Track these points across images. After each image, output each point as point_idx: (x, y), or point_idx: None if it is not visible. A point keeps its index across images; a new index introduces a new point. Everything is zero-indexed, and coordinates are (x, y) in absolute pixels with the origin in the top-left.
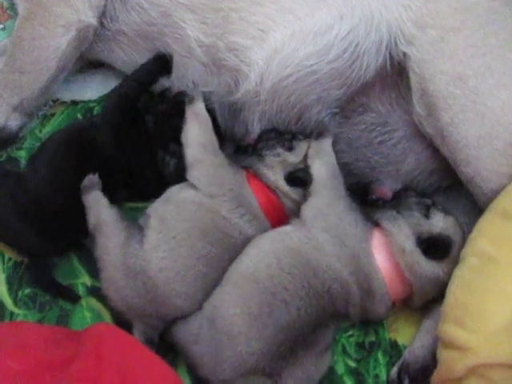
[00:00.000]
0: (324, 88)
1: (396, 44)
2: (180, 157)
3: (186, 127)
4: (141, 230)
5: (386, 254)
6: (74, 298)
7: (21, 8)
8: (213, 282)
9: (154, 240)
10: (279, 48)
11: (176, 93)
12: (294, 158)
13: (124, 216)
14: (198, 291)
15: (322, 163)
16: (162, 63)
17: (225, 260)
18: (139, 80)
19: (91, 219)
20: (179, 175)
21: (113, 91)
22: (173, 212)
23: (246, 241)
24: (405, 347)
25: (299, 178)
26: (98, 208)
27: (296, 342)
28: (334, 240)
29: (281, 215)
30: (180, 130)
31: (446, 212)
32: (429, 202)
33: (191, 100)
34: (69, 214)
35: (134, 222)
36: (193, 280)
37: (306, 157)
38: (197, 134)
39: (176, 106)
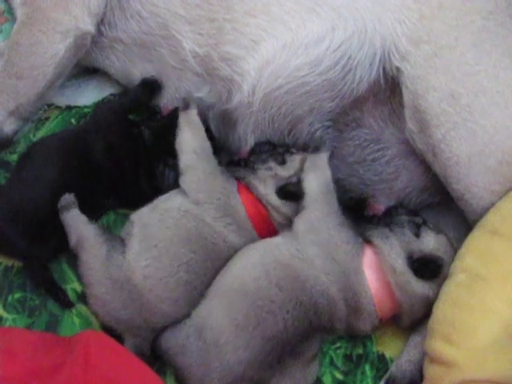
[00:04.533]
0: (316, 99)
1: (390, 58)
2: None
3: (180, 133)
4: (122, 241)
5: (376, 272)
6: (67, 304)
7: (19, 13)
8: (195, 288)
9: (137, 248)
10: (270, 59)
11: (173, 109)
12: (285, 172)
13: (104, 230)
14: (181, 297)
15: (315, 177)
16: (151, 86)
17: (208, 267)
18: (132, 99)
19: (72, 237)
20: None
21: (102, 105)
22: (156, 219)
23: (231, 249)
24: (392, 361)
25: (291, 192)
26: (78, 225)
27: (283, 351)
28: (324, 255)
29: (269, 228)
30: None
31: (438, 231)
32: (420, 220)
33: (186, 106)
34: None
35: (115, 233)
36: (175, 286)
37: (299, 170)
38: (190, 139)
39: (172, 121)
